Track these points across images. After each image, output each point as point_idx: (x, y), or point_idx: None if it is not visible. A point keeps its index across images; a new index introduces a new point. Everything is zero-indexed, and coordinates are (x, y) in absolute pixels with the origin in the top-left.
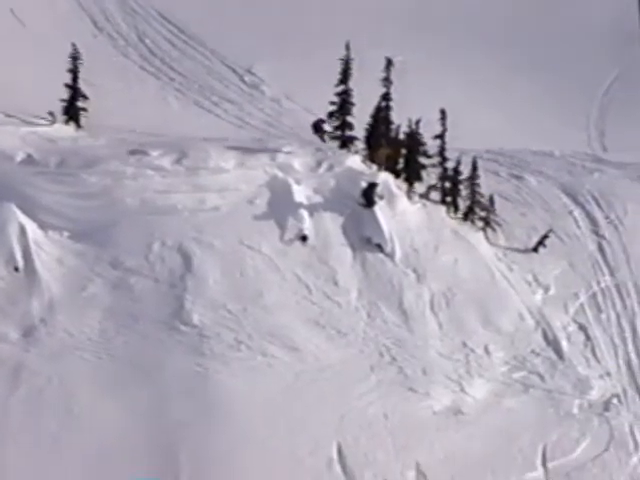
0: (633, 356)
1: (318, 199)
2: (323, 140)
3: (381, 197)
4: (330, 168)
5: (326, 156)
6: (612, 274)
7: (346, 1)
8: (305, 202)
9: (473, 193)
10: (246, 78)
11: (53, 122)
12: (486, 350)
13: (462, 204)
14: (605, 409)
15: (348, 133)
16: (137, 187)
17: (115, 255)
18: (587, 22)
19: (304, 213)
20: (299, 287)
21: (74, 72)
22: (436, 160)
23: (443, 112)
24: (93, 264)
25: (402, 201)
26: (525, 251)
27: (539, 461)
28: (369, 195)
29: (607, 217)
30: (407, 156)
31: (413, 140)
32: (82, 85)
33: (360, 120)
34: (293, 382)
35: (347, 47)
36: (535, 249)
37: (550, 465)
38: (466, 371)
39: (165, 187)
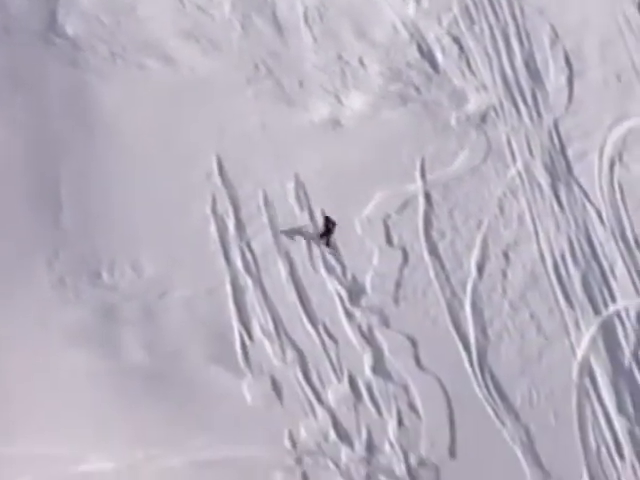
0: (508, 69)
1: None
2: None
3: None
4: None
5: None
6: None
7: None
8: None
9: None
10: None
11: None
12: (361, 62)
13: None
14: (482, 121)
15: None
16: None
17: None
18: None
19: None
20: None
21: None
22: None
23: None
24: None
25: None
26: None
27: (418, 173)
28: None
29: None
30: None
31: None
32: None
33: None
34: (170, 95)
35: None
36: None
37: (429, 177)
38: (342, 83)
39: None
